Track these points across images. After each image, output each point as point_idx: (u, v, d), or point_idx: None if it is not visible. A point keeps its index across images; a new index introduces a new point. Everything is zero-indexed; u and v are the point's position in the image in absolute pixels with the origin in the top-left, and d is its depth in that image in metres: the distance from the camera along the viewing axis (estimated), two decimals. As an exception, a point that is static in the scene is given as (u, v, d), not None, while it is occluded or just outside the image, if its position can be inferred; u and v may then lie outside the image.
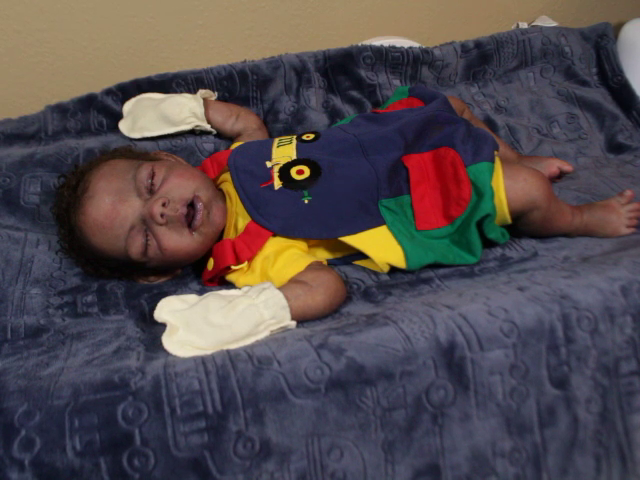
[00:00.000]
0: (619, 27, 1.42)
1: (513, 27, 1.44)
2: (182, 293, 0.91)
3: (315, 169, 0.95)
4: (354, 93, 1.27)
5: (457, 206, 0.93)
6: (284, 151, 0.99)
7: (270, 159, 0.98)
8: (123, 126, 1.15)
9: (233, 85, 1.21)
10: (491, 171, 0.92)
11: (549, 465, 0.74)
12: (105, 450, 0.64)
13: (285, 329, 0.79)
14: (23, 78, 1.30)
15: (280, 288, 0.82)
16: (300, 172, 0.95)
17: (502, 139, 1.25)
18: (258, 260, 0.91)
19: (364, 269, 0.95)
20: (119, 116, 1.17)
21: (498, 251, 0.96)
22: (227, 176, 0.99)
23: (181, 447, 0.65)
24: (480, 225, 0.92)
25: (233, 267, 0.91)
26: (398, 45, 1.29)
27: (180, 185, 0.93)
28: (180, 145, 1.16)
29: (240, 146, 1.06)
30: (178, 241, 0.92)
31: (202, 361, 0.70)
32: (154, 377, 0.68)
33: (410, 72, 1.29)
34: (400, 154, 0.97)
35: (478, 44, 1.33)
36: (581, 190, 1.12)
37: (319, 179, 0.94)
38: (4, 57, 1.27)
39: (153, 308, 0.78)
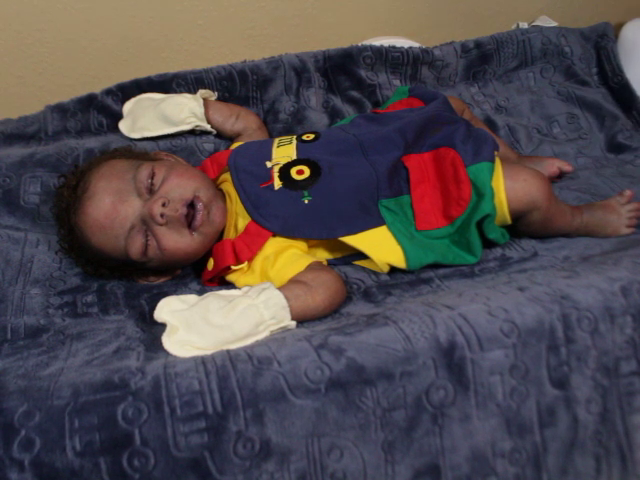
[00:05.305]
0: (619, 27, 1.42)
1: (513, 27, 1.44)
2: (182, 293, 0.91)
3: (315, 169, 0.95)
4: (354, 93, 1.27)
5: (457, 206, 0.93)
6: (284, 151, 0.99)
7: (270, 159, 0.98)
8: (123, 126, 1.15)
9: (233, 85, 1.21)
10: (491, 171, 0.92)
11: (549, 465, 0.74)
12: (105, 450, 0.64)
13: (285, 329, 0.79)
14: (23, 78, 1.30)
15: (280, 288, 0.82)
16: (300, 172, 0.95)
17: (502, 139, 1.25)
18: (258, 260, 0.91)
19: (364, 269, 0.95)
20: (119, 116, 1.17)
21: (498, 251, 0.96)
22: (227, 176, 0.99)
23: (181, 447, 0.65)
24: (480, 225, 0.92)
25: (233, 267, 0.91)
26: (398, 45, 1.29)
27: (180, 185, 0.93)
28: (180, 145, 1.16)
29: (240, 146, 1.06)
30: (178, 241, 0.92)
31: (202, 361, 0.70)
32: (154, 377, 0.68)
33: (410, 72, 1.29)
34: (400, 154, 0.97)
35: (478, 44, 1.33)
36: (581, 190, 1.12)
37: (319, 179, 0.94)
38: (4, 57, 1.27)
39: (153, 308, 0.78)
